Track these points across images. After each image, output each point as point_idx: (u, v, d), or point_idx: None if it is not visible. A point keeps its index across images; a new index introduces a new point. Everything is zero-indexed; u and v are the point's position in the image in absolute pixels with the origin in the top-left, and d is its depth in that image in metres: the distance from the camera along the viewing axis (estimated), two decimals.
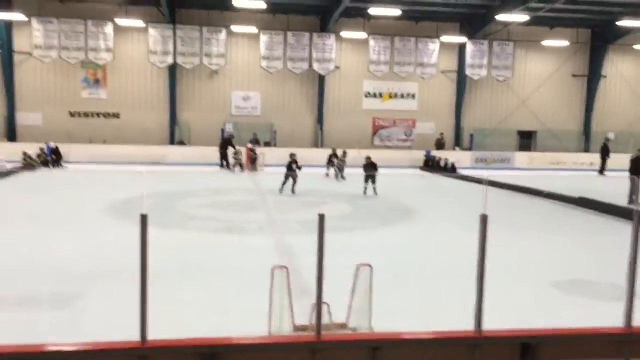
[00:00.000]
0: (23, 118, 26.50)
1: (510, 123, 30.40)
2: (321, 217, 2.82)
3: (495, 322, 3.19)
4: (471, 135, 29.89)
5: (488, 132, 29.96)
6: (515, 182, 17.39)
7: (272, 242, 9.75)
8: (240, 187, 18.22)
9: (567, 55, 30.26)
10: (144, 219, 2.70)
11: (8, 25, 25.55)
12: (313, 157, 22.80)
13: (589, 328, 3.31)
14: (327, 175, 20.87)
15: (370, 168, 16.34)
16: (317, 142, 28.27)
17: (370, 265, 4.49)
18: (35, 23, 25.08)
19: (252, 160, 23.13)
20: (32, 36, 25.20)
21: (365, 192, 15.58)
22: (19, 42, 25.95)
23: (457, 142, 29.80)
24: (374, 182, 15.58)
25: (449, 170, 24.10)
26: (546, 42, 29.12)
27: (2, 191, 15.96)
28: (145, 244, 2.70)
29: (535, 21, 26.64)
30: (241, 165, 22.77)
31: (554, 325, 3.34)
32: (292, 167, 16.16)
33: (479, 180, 17.87)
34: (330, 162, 21.12)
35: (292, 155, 16.64)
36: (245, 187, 18.38)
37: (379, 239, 10.43)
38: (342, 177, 20.04)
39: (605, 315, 3.51)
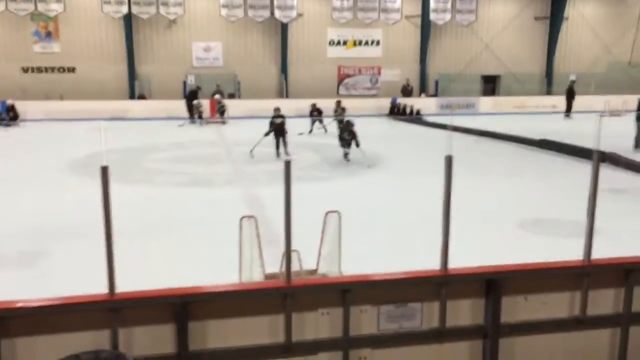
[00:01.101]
0: None
1: (474, 68, 30.47)
2: (287, 164, 2.80)
3: (462, 261, 3.26)
4: (436, 82, 29.90)
5: (453, 78, 30.00)
6: (480, 127, 17.64)
7: (240, 193, 9.73)
8: (206, 140, 17.97)
9: None
10: (104, 170, 2.63)
11: None
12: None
13: (551, 262, 3.41)
14: (310, 132, 18.66)
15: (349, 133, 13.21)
16: (282, 92, 27.88)
17: (338, 212, 4.52)
18: None
19: (221, 112, 22.70)
20: None
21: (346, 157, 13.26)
22: None
23: (423, 89, 29.79)
24: (352, 146, 13.10)
25: (415, 116, 24.20)
26: None
27: None
28: (108, 196, 2.63)
29: None
30: (201, 117, 22.23)
31: (519, 262, 3.43)
32: (274, 123, 13.67)
33: (443, 126, 18.02)
34: (312, 116, 19.16)
35: (276, 110, 14.36)
36: (211, 140, 18.13)
37: (347, 187, 10.51)
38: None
39: (567, 250, 3.63)
